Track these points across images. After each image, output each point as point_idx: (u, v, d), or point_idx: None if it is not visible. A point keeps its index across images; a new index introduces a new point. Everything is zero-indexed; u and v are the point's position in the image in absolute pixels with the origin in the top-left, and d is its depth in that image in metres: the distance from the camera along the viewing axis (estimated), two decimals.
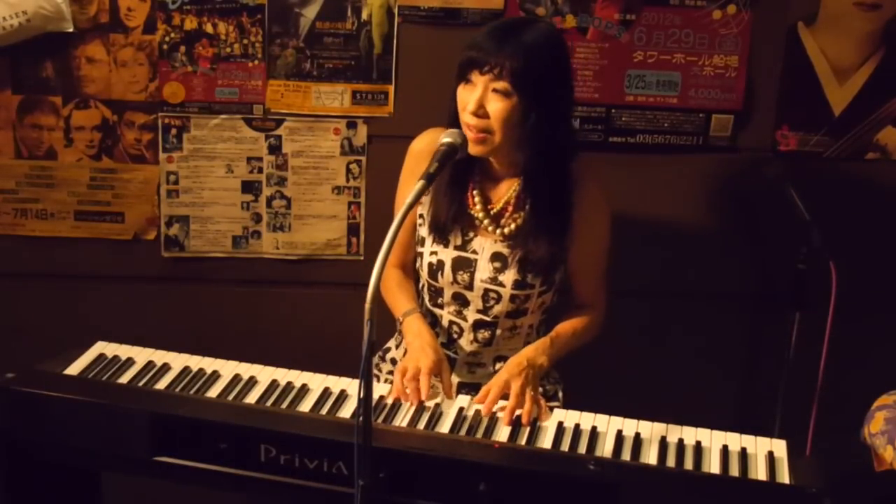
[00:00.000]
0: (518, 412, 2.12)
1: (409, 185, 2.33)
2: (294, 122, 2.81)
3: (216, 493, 2.09)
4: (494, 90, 2.09)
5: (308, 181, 2.85)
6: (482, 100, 2.09)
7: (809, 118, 2.83)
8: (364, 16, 2.72)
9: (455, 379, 2.36)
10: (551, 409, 2.20)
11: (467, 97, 2.11)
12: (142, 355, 2.28)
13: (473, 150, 2.13)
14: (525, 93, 2.09)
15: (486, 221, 2.26)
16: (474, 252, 2.27)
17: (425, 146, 2.32)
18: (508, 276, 2.25)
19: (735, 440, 2.07)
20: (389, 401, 2.16)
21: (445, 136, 2.07)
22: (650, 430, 2.09)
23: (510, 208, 2.26)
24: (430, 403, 2.15)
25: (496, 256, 2.26)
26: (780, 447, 2.06)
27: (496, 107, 2.09)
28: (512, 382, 2.16)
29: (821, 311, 2.47)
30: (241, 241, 2.89)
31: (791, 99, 2.81)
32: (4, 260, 2.87)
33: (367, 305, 1.72)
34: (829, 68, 2.78)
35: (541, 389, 2.37)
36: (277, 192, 2.86)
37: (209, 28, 2.73)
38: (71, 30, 2.69)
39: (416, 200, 1.89)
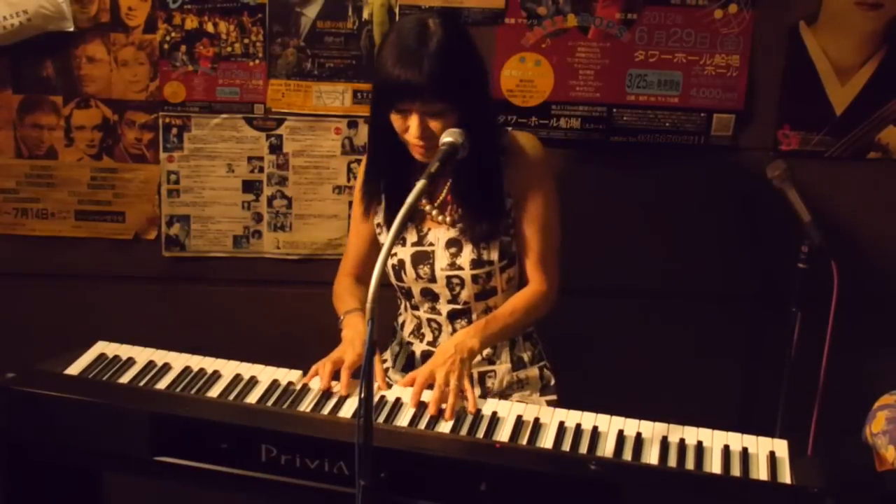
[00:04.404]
0: (444, 405, 2.12)
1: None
2: (295, 122, 2.81)
3: (217, 494, 2.08)
4: (431, 112, 2.11)
5: (309, 181, 2.85)
6: (423, 123, 2.12)
7: (811, 118, 2.82)
8: (365, 15, 2.72)
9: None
10: (548, 402, 2.21)
11: (404, 124, 2.14)
12: (142, 355, 2.28)
13: (425, 158, 2.17)
14: (458, 101, 2.12)
15: (434, 212, 2.30)
16: (431, 244, 2.31)
17: None
18: (465, 258, 2.28)
19: (736, 440, 2.07)
20: (298, 386, 2.18)
21: (447, 136, 2.07)
22: (651, 430, 2.08)
23: (452, 195, 2.30)
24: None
25: (451, 243, 2.30)
26: (781, 447, 2.05)
27: (438, 125, 2.12)
28: (437, 373, 2.16)
29: (822, 311, 2.47)
30: (242, 241, 2.89)
31: (792, 98, 2.81)
32: (5, 260, 2.87)
33: (368, 305, 1.72)
34: (831, 68, 2.78)
35: (537, 373, 2.40)
36: (278, 191, 2.86)
37: (210, 27, 2.73)
38: (71, 29, 2.69)
39: (416, 200, 1.89)
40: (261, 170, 2.84)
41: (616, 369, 2.90)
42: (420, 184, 1.92)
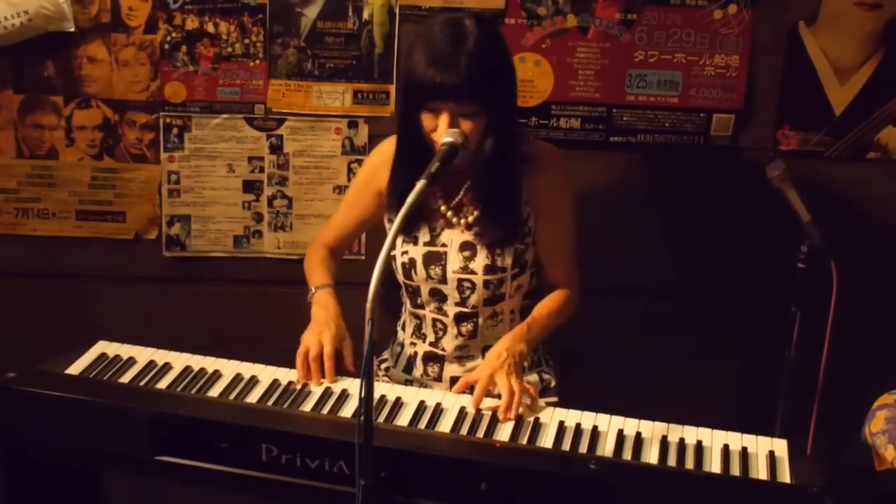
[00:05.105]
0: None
1: (368, 189, 2.40)
2: (295, 122, 2.81)
3: (217, 493, 2.09)
4: (462, 112, 2.10)
5: (309, 181, 2.86)
6: (453, 124, 2.10)
7: (810, 118, 2.83)
8: (365, 15, 2.73)
9: (448, 373, 2.40)
10: (548, 404, 2.22)
11: (433, 123, 2.13)
12: (143, 355, 2.28)
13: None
14: (489, 103, 2.11)
15: (449, 213, 2.29)
16: (443, 245, 2.30)
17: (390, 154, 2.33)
18: (478, 263, 2.28)
19: (736, 439, 2.07)
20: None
21: (447, 136, 2.07)
22: (651, 430, 2.09)
23: (469, 197, 2.29)
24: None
25: (465, 246, 2.29)
26: (780, 446, 2.06)
27: (468, 126, 2.11)
28: (497, 378, 2.16)
29: (821, 311, 2.47)
30: (243, 241, 2.89)
31: (792, 99, 2.82)
32: (6, 260, 2.87)
33: (368, 305, 1.72)
34: (830, 68, 2.79)
35: (535, 377, 2.40)
36: (279, 191, 2.86)
37: (210, 28, 2.73)
38: (72, 29, 2.70)
39: (417, 200, 1.89)
40: (261, 170, 2.85)
41: (616, 369, 2.90)
42: (420, 184, 1.92)
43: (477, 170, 2.23)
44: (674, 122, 2.82)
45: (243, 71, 2.77)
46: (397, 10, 2.72)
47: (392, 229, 1.80)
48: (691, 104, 2.81)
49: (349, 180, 2.84)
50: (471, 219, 2.28)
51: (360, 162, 2.83)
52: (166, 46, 2.74)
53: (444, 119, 2.10)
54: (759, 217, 2.89)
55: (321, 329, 2.26)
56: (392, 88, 2.78)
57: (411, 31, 2.72)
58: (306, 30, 2.74)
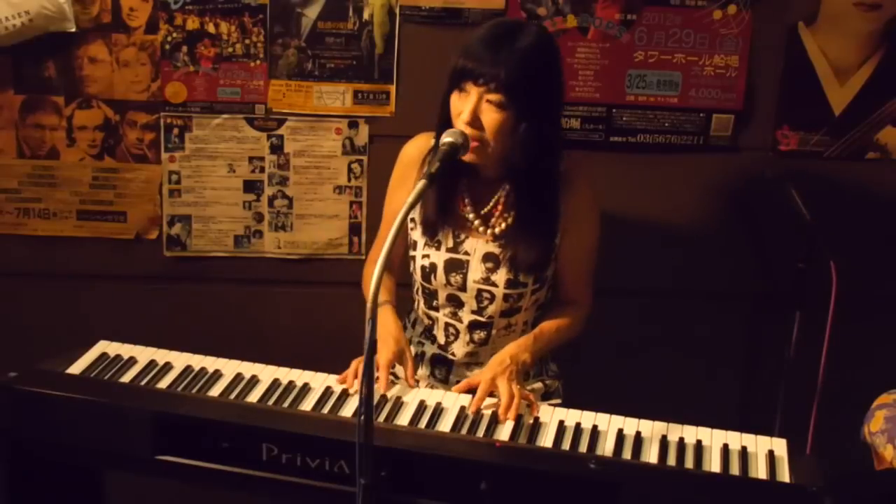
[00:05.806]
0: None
1: (400, 190, 2.37)
2: (296, 122, 2.82)
3: (218, 492, 2.09)
4: (489, 101, 2.10)
5: (310, 181, 2.86)
6: (476, 110, 2.10)
7: (810, 118, 2.83)
8: (365, 16, 2.73)
9: (454, 377, 2.39)
10: (552, 405, 2.22)
11: (461, 106, 2.12)
12: (144, 354, 2.29)
13: (467, 157, 2.14)
14: (519, 103, 2.10)
15: (476, 222, 2.28)
16: (466, 253, 2.29)
17: (417, 152, 2.34)
18: (500, 276, 2.27)
19: (735, 439, 2.08)
20: (352, 390, 2.19)
21: (447, 136, 2.07)
22: (651, 429, 2.09)
23: (500, 208, 2.27)
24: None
25: (488, 257, 2.28)
26: (780, 446, 2.06)
27: (491, 118, 2.11)
28: (498, 381, 2.17)
29: (821, 311, 2.48)
30: (243, 241, 2.90)
31: (791, 99, 2.82)
32: (7, 259, 2.88)
33: (369, 305, 1.72)
34: (830, 68, 2.79)
35: (540, 385, 2.40)
36: (279, 191, 2.86)
37: (211, 28, 2.74)
38: (73, 30, 2.70)
39: (417, 200, 1.90)
40: (262, 170, 2.85)
41: (616, 368, 2.91)
42: (420, 184, 1.92)
43: (510, 180, 2.23)
44: (673, 122, 2.83)
45: (244, 71, 2.77)
46: (398, 11, 2.72)
47: (392, 231, 1.79)
48: (691, 104, 2.81)
49: (349, 180, 2.85)
50: (498, 230, 2.28)
51: (360, 162, 2.83)
52: (167, 47, 2.75)
53: (470, 100, 2.10)
54: (759, 217, 2.89)
55: (379, 346, 2.23)
56: (392, 88, 2.79)
57: (411, 31, 2.73)
58: (307, 30, 2.74)
